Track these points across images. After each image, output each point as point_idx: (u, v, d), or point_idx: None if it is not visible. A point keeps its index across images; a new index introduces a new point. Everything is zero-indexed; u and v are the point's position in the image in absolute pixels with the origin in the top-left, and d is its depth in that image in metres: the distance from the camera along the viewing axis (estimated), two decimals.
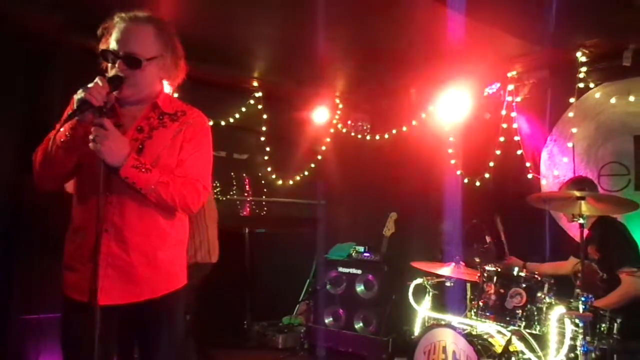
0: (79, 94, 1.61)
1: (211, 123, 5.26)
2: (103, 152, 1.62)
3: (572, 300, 2.76)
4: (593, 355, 2.54)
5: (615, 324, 2.68)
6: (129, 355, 1.99)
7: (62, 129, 1.65)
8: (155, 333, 1.82)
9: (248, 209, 5.26)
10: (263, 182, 5.33)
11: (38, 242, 3.49)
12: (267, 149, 5.28)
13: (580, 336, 2.49)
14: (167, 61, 1.83)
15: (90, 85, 1.63)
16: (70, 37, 3.58)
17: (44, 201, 2.70)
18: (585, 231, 3.11)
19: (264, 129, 5.23)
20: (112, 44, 1.76)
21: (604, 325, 2.67)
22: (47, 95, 3.51)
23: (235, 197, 5.11)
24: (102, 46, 1.79)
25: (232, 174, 5.09)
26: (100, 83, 1.64)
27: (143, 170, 1.69)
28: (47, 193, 1.84)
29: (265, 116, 5.19)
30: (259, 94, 5.12)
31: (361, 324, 4.46)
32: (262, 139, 5.25)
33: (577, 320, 2.51)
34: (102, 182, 1.64)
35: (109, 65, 1.79)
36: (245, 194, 5.21)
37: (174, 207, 1.79)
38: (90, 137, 1.62)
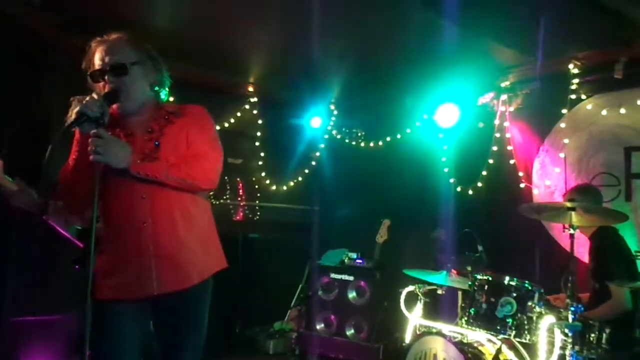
0: (75, 107, 1.70)
1: None
2: (108, 158, 1.70)
3: (562, 310, 2.78)
4: None
5: (604, 334, 2.70)
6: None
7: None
8: (194, 318, 1.94)
9: (241, 214, 5.26)
10: (257, 187, 5.34)
11: (29, 244, 3.48)
12: (262, 154, 5.29)
13: (570, 345, 2.50)
14: (148, 66, 1.94)
15: (85, 98, 1.71)
16: (66, 37, 3.58)
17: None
18: (588, 241, 3.15)
19: (258, 134, 5.24)
20: (97, 64, 1.87)
21: (593, 335, 2.69)
22: (42, 95, 3.50)
23: (228, 201, 5.10)
24: (90, 72, 1.89)
25: (226, 178, 5.09)
26: (95, 96, 1.72)
27: (150, 160, 1.79)
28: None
29: (260, 121, 5.20)
30: (254, 99, 5.14)
31: (352, 331, 4.46)
32: (257, 144, 5.26)
33: (566, 330, 2.53)
34: (96, 188, 1.69)
35: (101, 85, 1.87)
36: (239, 199, 5.21)
37: (194, 184, 1.86)
38: (90, 149, 1.68)
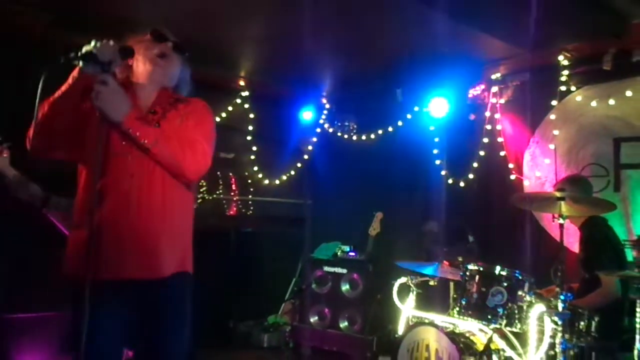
0: (86, 47, 1.66)
1: None
2: (104, 106, 1.64)
3: (551, 299, 2.82)
4: (571, 352, 2.60)
5: (593, 322, 2.75)
6: None
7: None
8: (172, 311, 1.85)
9: (234, 208, 5.26)
10: (249, 181, 5.33)
11: (24, 239, 3.47)
12: (254, 148, 5.28)
13: (559, 334, 2.53)
14: (186, 68, 2.08)
15: (101, 41, 1.68)
16: (57, 35, 3.55)
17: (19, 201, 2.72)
18: (577, 231, 3.19)
19: (250, 128, 5.23)
20: (164, 33, 1.96)
21: (582, 323, 2.73)
22: (33, 92, 3.48)
23: (221, 196, 5.10)
24: (155, 31, 1.94)
25: (218, 172, 5.08)
26: (111, 43, 1.69)
27: (147, 123, 1.76)
28: (36, 157, 1.82)
29: (252, 115, 5.19)
30: (245, 93, 5.12)
31: (346, 323, 4.48)
32: (249, 138, 5.25)
33: (556, 318, 2.56)
34: (101, 145, 1.66)
35: (152, 46, 1.90)
36: (232, 193, 5.21)
37: (180, 167, 1.79)
38: (93, 94, 1.64)
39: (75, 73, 1.71)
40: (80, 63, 1.66)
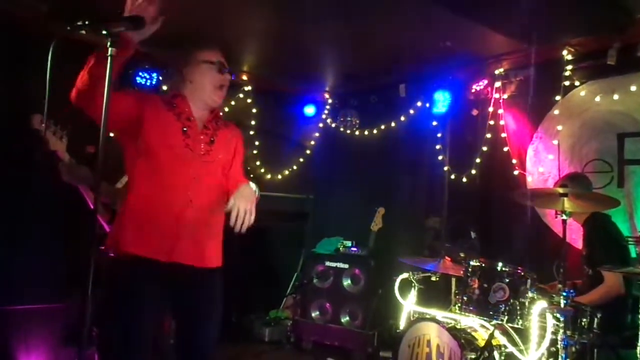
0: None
1: None
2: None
3: (553, 295, 2.81)
4: (573, 349, 2.59)
5: (596, 319, 2.73)
6: None
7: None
8: (213, 297, 2.20)
9: None
10: (252, 175, 5.32)
11: (22, 232, 3.48)
12: (256, 142, 5.27)
13: (561, 330, 2.53)
14: None
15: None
16: (54, 26, 3.54)
17: (28, 191, 2.72)
18: (581, 227, 3.18)
19: (253, 122, 5.22)
20: (220, 59, 2.19)
21: (584, 319, 2.71)
22: (29, 84, 3.48)
23: None
24: (209, 56, 2.17)
25: None
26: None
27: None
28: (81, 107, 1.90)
29: (254, 110, 5.18)
30: (248, 88, 5.11)
31: (347, 318, 4.49)
32: (251, 132, 5.24)
33: (558, 315, 2.56)
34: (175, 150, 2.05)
35: (218, 75, 2.16)
36: None
37: None
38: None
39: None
40: (130, 25, 1.67)
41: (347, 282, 4.54)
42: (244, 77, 5.02)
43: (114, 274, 1.98)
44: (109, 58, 1.62)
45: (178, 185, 2.01)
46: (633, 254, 3.23)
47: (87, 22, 1.62)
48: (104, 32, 1.63)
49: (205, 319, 2.11)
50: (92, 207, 2.54)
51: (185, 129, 2.06)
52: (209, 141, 2.11)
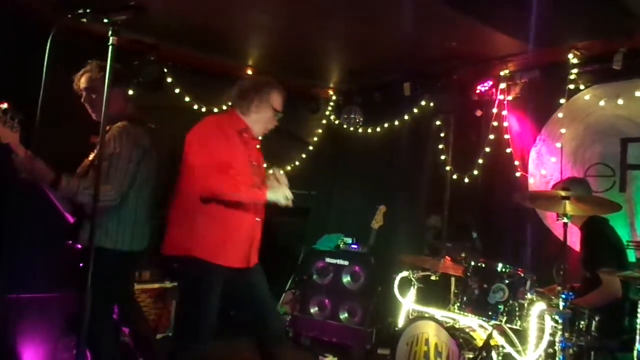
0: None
1: (204, 109, 5.23)
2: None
3: (552, 297, 2.82)
4: (571, 351, 2.61)
5: (594, 322, 2.75)
6: None
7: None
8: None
9: None
10: None
11: (21, 222, 3.49)
12: (259, 137, 5.27)
13: (559, 332, 2.54)
14: None
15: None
16: (62, 16, 3.54)
17: (26, 182, 2.69)
18: (579, 231, 3.19)
19: None
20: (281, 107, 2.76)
21: (582, 322, 2.73)
22: (36, 73, 3.48)
23: None
24: (279, 105, 2.75)
25: None
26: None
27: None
28: None
29: None
30: None
31: (346, 315, 4.51)
32: None
33: (556, 317, 2.57)
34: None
35: (274, 116, 2.78)
36: None
37: None
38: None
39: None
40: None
41: (346, 279, 4.56)
42: (249, 72, 5.02)
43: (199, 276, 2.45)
44: (110, 47, 1.61)
45: (246, 222, 2.65)
46: (632, 259, 3.24)
47: (88, 10, 1.60)
48: (105, 20, 1.62)
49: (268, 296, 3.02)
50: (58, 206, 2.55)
51: (253, 162, 2.66)
52: (260, 156, 2.79)
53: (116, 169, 2.44)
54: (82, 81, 2.63)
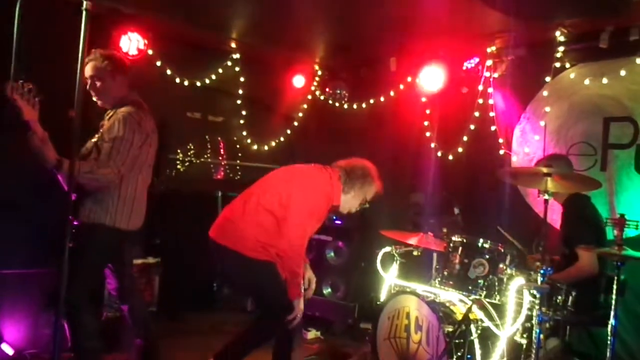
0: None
1: (186, 83, 5.12)
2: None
3: (531, 272, 2.87)
4: (547, 325, 2.66)
5: (570, 297, 2.80)
6: None
7: None
8: None
9: (222, 173, 5.22)
10: (238, 146, 5.28)
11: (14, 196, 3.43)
12: (243, 112, 5.21)
13: (537, 307, 2.59)
14: None
15: None
16: None
17: (10, 159, 2.63)
18: (561, 208, 3.22)
19: (240, 91, 5.15)
20: None
21: (559, 297, 2.79)
22: (41, 53, 3.36)
23: (209, 160, 5.05)
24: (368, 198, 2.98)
25: (207, 136, 5.02)
26: None
27: None
28: None
29: (242, 79, 5.10)
30: (236, 56, 5.01)
31: (329, 290, 4.55)
32: (238, 102, 5.17)
33: (534, 292, 2.61)
34: None
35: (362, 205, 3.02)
36: (220, 157, 5.16)
37: None
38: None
39: None
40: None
41: (330, 255, 4.58)
42: (233, 45, 4.92)
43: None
44: (84, 12, 1.56)
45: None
46: (610, 236, 3.29)
47: None
48: None
49: None
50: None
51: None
52: None
53: (118, 151, 2.60)
54: (87, 69, 2.72)
